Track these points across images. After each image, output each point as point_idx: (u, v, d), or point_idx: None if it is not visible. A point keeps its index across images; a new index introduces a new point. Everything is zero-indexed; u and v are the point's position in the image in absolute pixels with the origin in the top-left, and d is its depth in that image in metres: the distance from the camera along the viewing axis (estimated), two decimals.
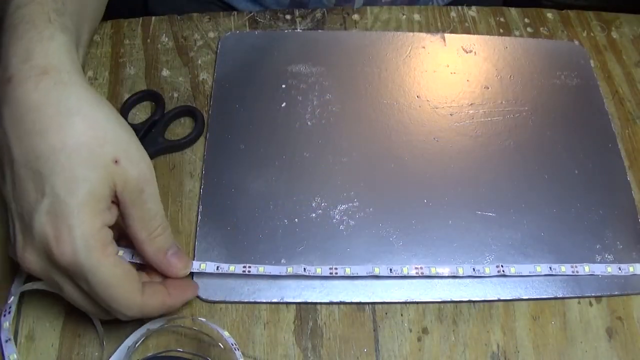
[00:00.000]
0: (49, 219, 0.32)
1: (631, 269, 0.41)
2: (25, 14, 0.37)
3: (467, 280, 0.41)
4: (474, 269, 0.41)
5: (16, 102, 0.34)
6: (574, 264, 0.41)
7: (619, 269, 0.41)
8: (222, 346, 0.38)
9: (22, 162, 0.33)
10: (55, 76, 0.35)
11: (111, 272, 0.34)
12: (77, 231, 0.32)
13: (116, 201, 0.35)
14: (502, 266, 0.41)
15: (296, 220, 0.43)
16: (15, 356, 0.37)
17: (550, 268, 0.41)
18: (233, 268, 0.41)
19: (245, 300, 0.40)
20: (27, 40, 0.35)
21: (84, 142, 0.33)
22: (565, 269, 0.41)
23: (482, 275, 0.41)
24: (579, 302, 0.41)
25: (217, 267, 0.41)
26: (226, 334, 0.38)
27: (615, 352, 0.39)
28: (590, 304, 0.41)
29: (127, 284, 0.34)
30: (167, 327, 0.39)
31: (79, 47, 0.42)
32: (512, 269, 0.41)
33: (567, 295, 0.41)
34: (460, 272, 0.41)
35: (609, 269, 0.41)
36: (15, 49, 0.35)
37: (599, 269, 0.41)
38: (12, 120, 0.34)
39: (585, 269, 0.41)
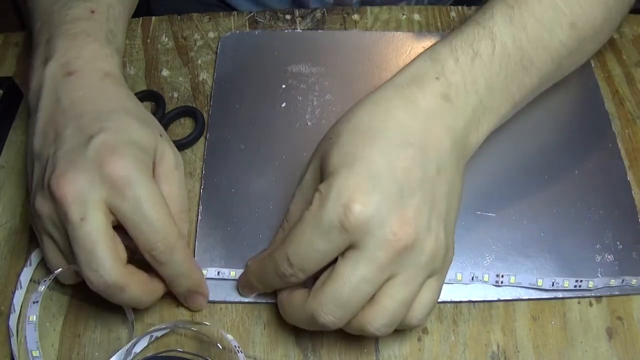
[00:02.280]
0: (107, 140, 0.35)
1: (634, 282, 0.41)
2: (85, 28, 0.42)
3: (467, 280, 0.41)
4: (472, 278, 0.41)
5: (80, 87, 0.39)
6: (578, 279, 0.40)
7: (622, 281, 0.41)
8: (223, 347, 0.38)
9: (84, 120, 0.37)
10: (116, 79, 0.41)
11: (154, 192, 0.35)
12: (131, 152, 0.36)
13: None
14: (502, 276, 0.40)
15: None
16: (34, 317, 0.38)
17: (553, 284, 0.40)
18: (234, 273, 0.41)
19: (245, 300, 0.40)
20: (90, 51, 0.41)
21: (138, 114, 0.40)
22: (568, 283, 0.40)
23: (481, 281, 0.41)
24: (579, 302, 0.41)
25: (218, 272, 0.41)
26: (229, 336, 0.38)
27: (615, 352, 0.39)
28: (590, 304, 0.41)
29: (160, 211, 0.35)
30: (172, 329, 0.39)
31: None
32: (512, 279, 0.40)
33: (567, 295, 0.41)
34: (459, 279, 0.41)
35: (612, 282, 0.40)
36: (78, 52, 0.40)
37: (602, 282, 0.40)
38: (72, 99, 0.38)
39: (589, 284, 0.40)
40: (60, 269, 0.37)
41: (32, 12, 0.46)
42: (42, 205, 0.35)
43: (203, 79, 0.52)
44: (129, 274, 0.35)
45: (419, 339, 0.40)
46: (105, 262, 0.34)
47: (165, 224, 0.35)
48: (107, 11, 0.44)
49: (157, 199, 0.35)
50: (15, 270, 0.41)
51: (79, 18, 0.43)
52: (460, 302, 0.41)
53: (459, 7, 0.57)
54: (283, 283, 0.35)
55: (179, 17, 0.55)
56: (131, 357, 0.38)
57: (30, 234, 0.43)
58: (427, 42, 0.54)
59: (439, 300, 0.40)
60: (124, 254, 0.35)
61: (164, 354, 0.38)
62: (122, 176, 0.34)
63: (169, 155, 0.39)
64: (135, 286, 0.35)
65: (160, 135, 0.40)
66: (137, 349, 0.38)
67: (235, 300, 0.41)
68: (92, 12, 0.43)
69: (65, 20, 0.42)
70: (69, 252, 0.35)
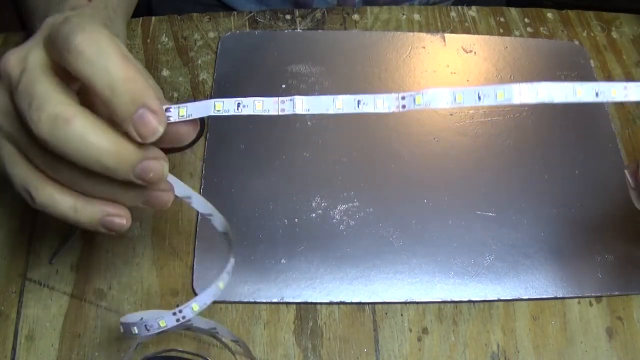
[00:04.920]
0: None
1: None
2: (82, 14, 0.39)
3: (467, 280, 0.41)
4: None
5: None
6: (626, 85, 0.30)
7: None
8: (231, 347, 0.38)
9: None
10: None
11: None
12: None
13: None
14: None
15: (296, 220, 0.43)
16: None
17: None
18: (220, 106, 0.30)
19: (245, 300, 0.40)
20: None
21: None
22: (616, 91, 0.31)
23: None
24: (579, 302, 0.41)
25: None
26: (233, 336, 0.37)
27: (615, 352, 0.39)
28: (590, 304, 0.41)
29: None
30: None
31: None
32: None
33: (567, 295, 0.41)
34: (459, 100, 0.28)
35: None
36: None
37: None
38: None
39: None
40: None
41: (32, 17, 0.45)
42: None
43: (203, 79, 0.52)
44: (78, 107, 0.29)
45: (419, 339, 0.40)
46: (47, 93, 0.28)
47: (85, 24, 0.29)
48: (105, 1, 0.42)
49: (94, 24, 0.29)
50: (15, 270, 0.41)
51: (74, 7, 0.40)
52: (460, 302, 0.41)
53: (459, 7, 0.57)
54: None
55: (179, 17, 0.55)
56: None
57: (30, 234, 0.43)
58: (427, 42, 0.54)
59: (439, 300, 0.41)
60: (74, 94, 0.30)
61: (164, 354, 0.38)
62: (59, 21, 0.30)
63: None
64: (85, 116, 0.28)
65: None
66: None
67: (235, 300, 0.41)
68: (89, 0, 0.41)
69: (59, 9, 0.40)
70: (25, 138, 0.30)
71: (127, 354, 0.38)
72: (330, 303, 0.41)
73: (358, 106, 0.28)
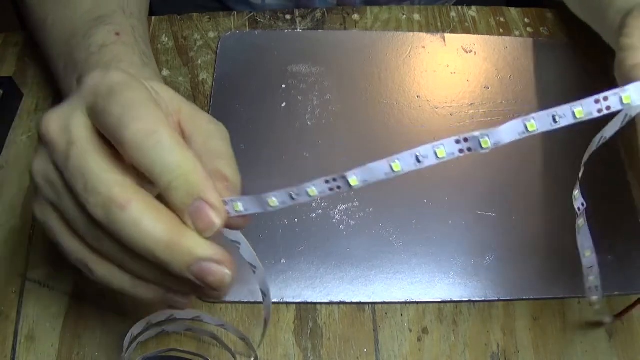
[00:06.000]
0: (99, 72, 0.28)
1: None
2: (116, 54, 0.37)
3: (467, 280, 0.41)
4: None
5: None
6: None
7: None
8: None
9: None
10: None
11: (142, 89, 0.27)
12: (123, 72, 0.28)
13: None
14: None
15: (296, 220, 0.43)
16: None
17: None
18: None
19: (245, 300, 0.40)
20: None
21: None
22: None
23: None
24: (579, 302, 0.41)
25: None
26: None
27: (615, 352, 0.39)
28: (591, 304, 0.41)
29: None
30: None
31: None
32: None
33: (567, 295, 0.41)
34: (532, 129, 0.26)
35: None
36: None
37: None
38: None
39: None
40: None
41: (50, 52, 0.42)
42: (36, 165, 0.28)
43: (203, 79, 0.52)
44: (134, 189, 0.27)
45: (419, 339, 0.40)
46: (100, 174, 0.26)
47: (140, 103, 0.27)
48: (132, 32, 0.40)
49: (136, 86, 0.27)
50: (15, 270, 0.41)
51: (104, 44, 0.38)
52: (461, 302, 0.41)
53: (459, 7, 0.57)
54: None
55: (179, 17, 0.55)
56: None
57: (30, 234, 0.43)
58: (427, 42, 0.54)
59: (439, 300, 0.40)
60: (125, 171, 0.27)
61: (164, 354, 0.38)
62: (99, 77, 0.28)
63: (169, 92, 0.31)
64: (141, 202, 0.26)
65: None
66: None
67: (235, 300, 0.41)
68: (117, 34, 0.39)
69: (91, 51, 0.38)
70: (77, 212, 0.28)
71: (127, 352, 0.38)
72: (330, 303, 0.41)
73: (419, 162, 0.27)
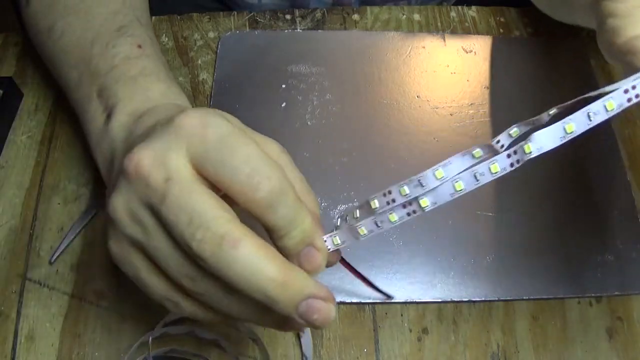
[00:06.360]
0: (184, 111, 0.28)
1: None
2: (143, 67, 0.37)
3: (467, 280, 0.41)
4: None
5: (155, 117, 0.32)
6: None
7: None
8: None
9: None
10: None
11: (242, 131, 0.28)
12: (212, 110, 0.29)
13: None
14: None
15: None
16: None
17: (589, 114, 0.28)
18: None
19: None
20: (158, 91, 0.36)
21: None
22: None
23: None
24: (579, 302, 0.41)
25: None
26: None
27: (615, 352, 0.39)
28: (590, 304, 0.41)
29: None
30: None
31: None
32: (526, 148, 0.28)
33: (567, 295, 0.41)
34: (571, 130, 0.28)
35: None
36: (145, 95, 0.35)
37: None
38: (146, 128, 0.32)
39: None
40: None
41: (57, 60, 0.41)
42: (117, 202, 0.28)
43: (203, 79, 0.52)
44: (244, 227, 0.26)
45: (419, 339, 0.40)
46: (209, 210, 0.26)
47: (262, 159, 0.27)
48: (152, 44, 0.40)
49: (247, 138, 0.27)
50: (15, 270, 0.41)
51: (129, 57, 0.38)
52: (461, 302, 0.41)
53: (459, 7, 0.57)
54: None
55: (179, 17, 0.55)
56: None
57: (30, 234, 0.43)
58: (427, 42, 0.54)
59: (439, 300, 0.40)
60: (230, 209, 0.27)
61: (164, 354, 0.38)
62: (199, 121, 0.27)
63: (269, 141, 0.31)
64: (252, 240, 0.26)
65: None
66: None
67: None
68: (140, 46, 0.39)
69: (115, 63, 0.37)
70: (170, 249, 0.27)
71: (130, 350, 0.38)
72: None
73: (477, 179, 0.29)
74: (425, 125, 0.49)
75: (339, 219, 0.31)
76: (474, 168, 0.27)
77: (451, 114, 0.49)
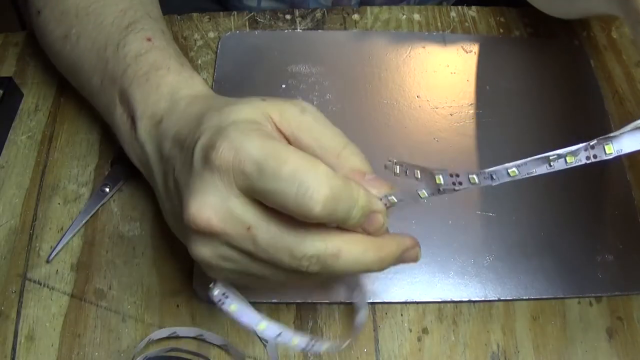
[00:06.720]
0: (205, 142, 0.30)
1: None
2: (152, 62, 0.37)
3: (467, 280, 0.41)
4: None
5: (174, 124, 0.34)
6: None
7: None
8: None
9: (185, 144, 0.32)
10: (204, 96, 0.36)
11: (273, 146, 0.28)
12: (233, 132, 0.29)
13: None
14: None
15: None
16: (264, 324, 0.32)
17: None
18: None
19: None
20: (169, 86, 0.36)
21: (227, 101, 0.33)
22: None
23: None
24: (579, 302, 0.41)
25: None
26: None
27: (615, 352, 0.39)
28: (590, 304, 0.41)
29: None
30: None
31: None
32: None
33: (567, 295, 0.41)
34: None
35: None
36: (158, 94, 0.36)
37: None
38: (171, 139, 0.33)
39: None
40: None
41: (77, 67, 0.42)
42: (201, 252, 0.30)
43: (203, 78, 0.51)
44: (328, 234, 0.29)
45: (419, 339, 0.40)
46: (299, 241, 0.28)
47: (303, 169, 0.27)
48: (162, 36, 0.40)
49: (281, 150, 0.28)
50: (15, 270, 0.41)
51: (139, 54, 0.38)
52: (461, 302, 0.41)
53: (459, 7, 0.57)
54: None
55: (179, 17, 0.55)
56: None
57: (30, 234, 0.43)
58: (427, 42, 0.54)
59: (439, 300, 0.40)
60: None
61: (164, 354, 0.38)
62: (233, 155, 0.28)
63: (285, 107, 0.32)
64: (344, 241, 0.29)
65: (264, 100, 0.32)
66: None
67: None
68: (149, 39, 0.39)
69: (127, 63, 0.38)
70: (268, 271, 0.30)
71: (138, 345, 0.38)
72: (330, 303, 0.41)
73: (550, 165, 0.29)
74: (425, 125, 0.49)
75: (397, 166, 0.33)
76: (548, 153, 0.29)
77: (451, 114, 0.49)
